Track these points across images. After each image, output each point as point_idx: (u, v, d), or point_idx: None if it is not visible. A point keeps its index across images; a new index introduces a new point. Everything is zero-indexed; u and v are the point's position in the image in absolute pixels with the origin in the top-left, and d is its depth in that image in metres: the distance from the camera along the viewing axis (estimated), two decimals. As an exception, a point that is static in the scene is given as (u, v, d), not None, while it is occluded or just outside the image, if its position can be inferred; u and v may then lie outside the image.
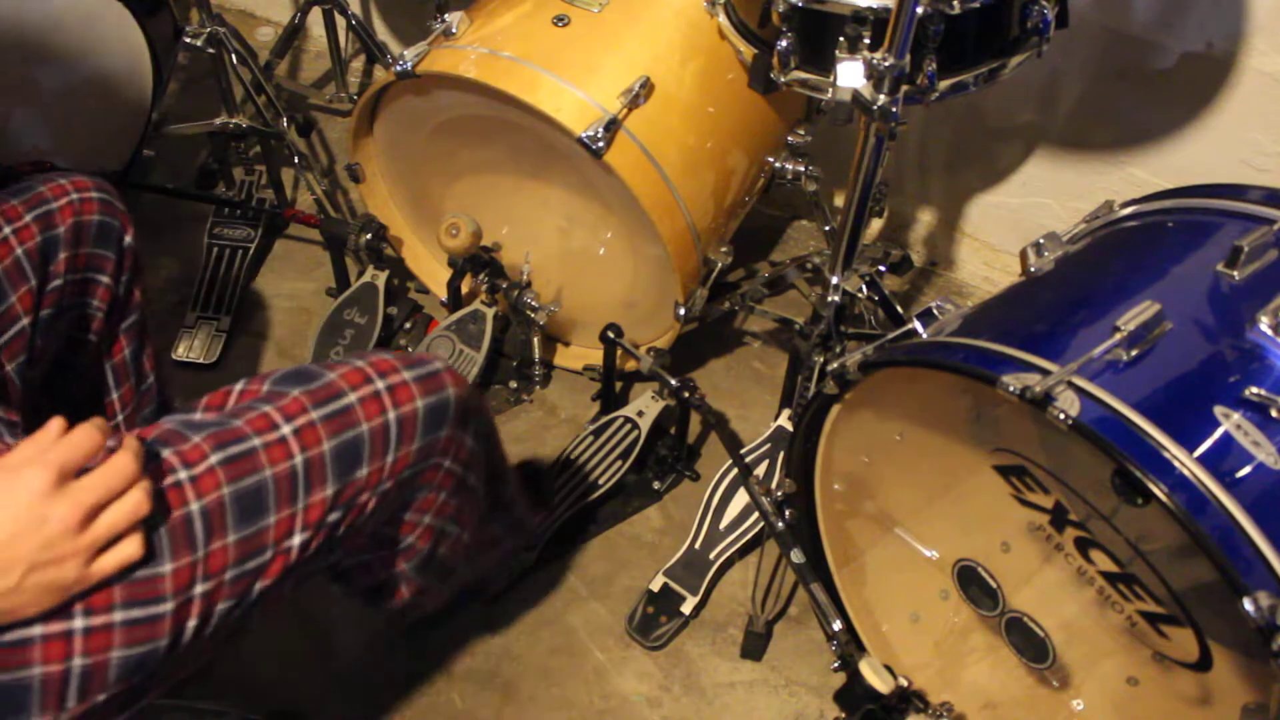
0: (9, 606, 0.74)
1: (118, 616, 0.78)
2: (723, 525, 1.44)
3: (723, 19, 1.32)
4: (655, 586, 1.42)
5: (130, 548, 0.78)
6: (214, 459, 0.83)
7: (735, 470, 1.45)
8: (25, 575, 0.73)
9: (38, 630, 0.76)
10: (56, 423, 0.78)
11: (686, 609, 1.40)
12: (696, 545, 1.44)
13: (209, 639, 0.85)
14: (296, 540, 0.86)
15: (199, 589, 0.82)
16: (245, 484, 0.83)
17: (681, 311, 1.47)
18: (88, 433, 0.77)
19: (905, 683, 1.18)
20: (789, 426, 1.48)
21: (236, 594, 0.84)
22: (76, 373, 1.17)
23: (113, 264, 1.13)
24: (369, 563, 1.06)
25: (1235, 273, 1.00)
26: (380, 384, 0.91)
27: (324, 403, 0.88)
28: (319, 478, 0.86)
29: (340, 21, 1.99)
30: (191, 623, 0.82)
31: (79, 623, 0.77)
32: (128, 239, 1.14)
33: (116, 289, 1.14)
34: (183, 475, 0.82)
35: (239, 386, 0.91)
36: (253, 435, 0.85)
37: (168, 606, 0.80)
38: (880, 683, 1.13)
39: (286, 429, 0.86)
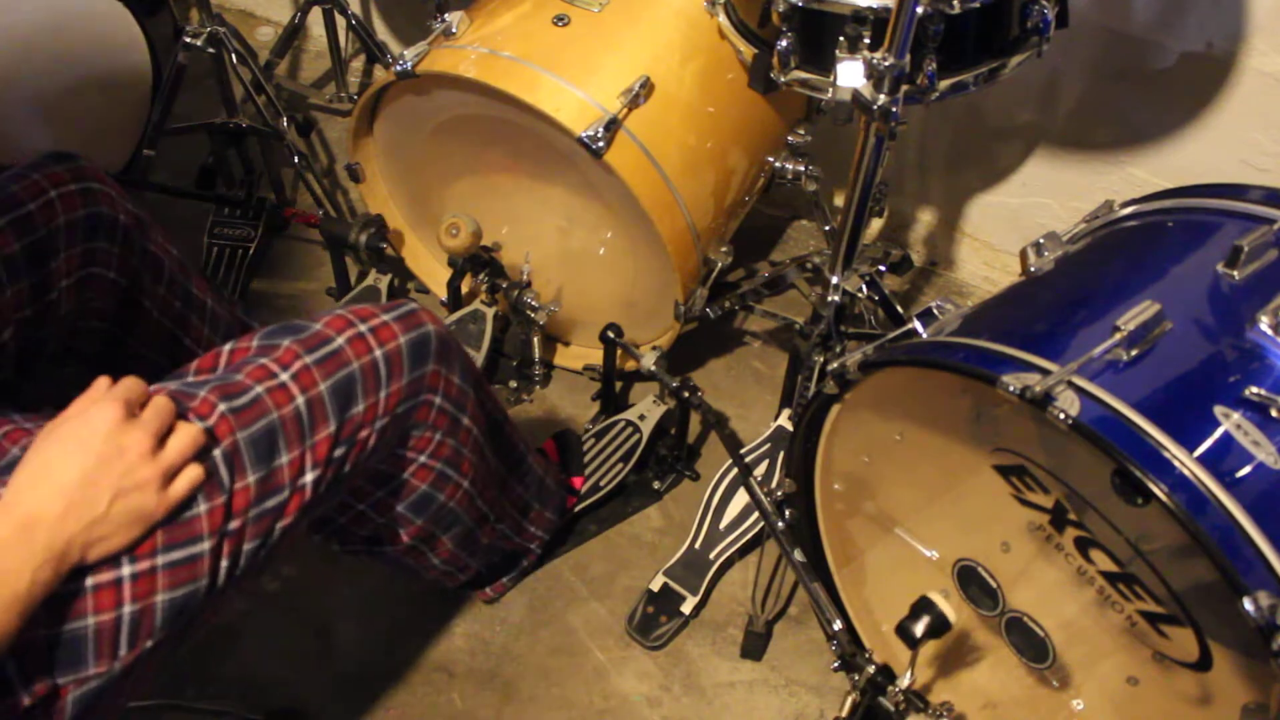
0: (100, 534, 0.79)
1: (160, 560, 0.83)
2: (723, 525, 1.44)
3: (723, 19, 1.32)
4: (655, 586, 1.42)
5: (195, 471, 0.84)
6: (223, 408, 0.87)
7: (735, 470, 1.45)
8: (112, 502, 0.79)
9: (89, 580, 0.80)
10: (103, 379, 0.85)
11: (686, 609, 1.40)
12: (696, 545, 1.44)
13: (238, 580, 0.89)
14: (309, 477, 0.91)
15: (230, 526, 0.86)
16: (256, 427, 0.88)
17: (681, 311, 1.47)
18: (134, 378, 0.84)
19: (904, 683, 1.18)
20: (789, 426, 1.47)
21: (260, 533, 0.89)
22: (141, 343, 1.22)
23: (111, 252, 1.12)
24: (364, 512, 1.10)
25: (1235, 272, 1.00)
26: (363, 326, 0.96)
27: (314, 348, 0.93)
28: (321, 416, 0.91)
29: (340, 21, 1.99)
30: (224, 562, 0.87)
31: (126, 569, 0.82)
32: (121, 218, 1.14)
33: (133, 265, 1.16)
34: (198, 425, 0.86)
35: (227, 347, 0.94)
36: (254, 384, 0.89)
37: (205, 546, 0.85)
38: (951, 612, 1.08)
39: (284, 375, 0.90)
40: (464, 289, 1.67)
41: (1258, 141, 1.47)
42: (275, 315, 1.81)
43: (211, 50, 1.76)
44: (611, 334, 1.52)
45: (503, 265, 1.60)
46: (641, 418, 1.53)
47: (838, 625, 1.22)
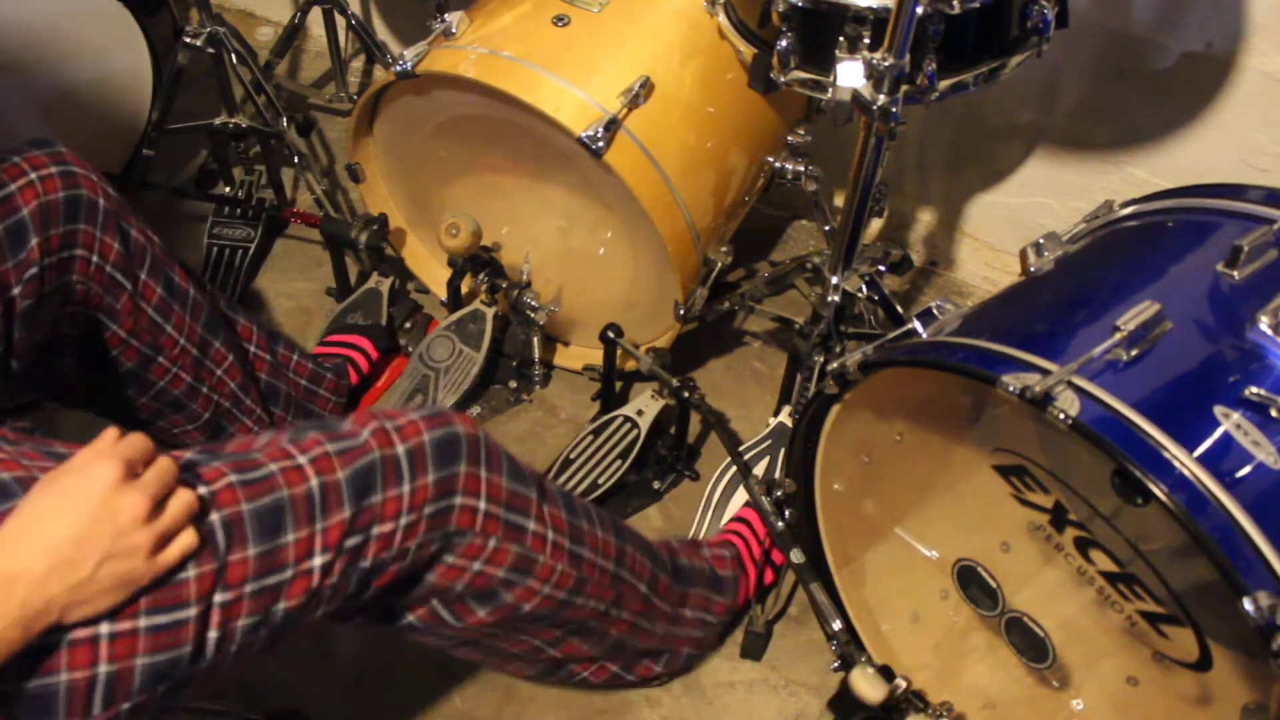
0: (82, 598, 0.76)
1: (143, 622, 0.80)
2: (722, 524, 1.44)
3: (723, 19, 1.32)
4: (655, 586, 1.42)
5: (189, 538, 0.81)
6: (232, 478, 0.86)
7: (734, 469, 1.45)
8: (99, 566, 0.76)
9: (65, 636, 0.77)
10: (111, 430, 0.82)
11: (686, 609, 1.40)
12: (696, 545, 1.44)
13: (234, 657, 0.86)
14: (317, 561, 0.88)
15: (219, 598, 0.83)
16: (263, 502, 0.86)
17: (681, 311, 1.47)
18: (140, 435, 0.82)
19: (904, 683, 1.18)
20: (788, 423, 1.47)
21: (258, 610, 0.86)
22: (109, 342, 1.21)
23: (92, 235, 1.13)
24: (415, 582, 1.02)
25: (1235, 272, 1.00)
26: (388, 424, 0.94)
27: (337, 439, 0.91)
28: (335, 500, 0.88)
29: (340, 21, 1.98)
30: (213, 634, 0.83)
31: (105, 628, 0.79)
32: (101, 201, 1.14)
33: (115, 249, 1.16)
34: (203, 490, 0.84)
35: (264, 438, 0.93)
36: (269, 462, 0.88)
37: (190, 613, 0.82)
38: (872, 692, 1.13)
39: (302, 459, 0.88)
40: (464, 289, 1.67)
41: (1258, 141, 1.47)
42: (275, 315, 1.81)
43: (211, 50, 1.76)
44: (611, 334, 1.52)
45: (503, 265, 1.60)
46: (639, 413, 1.53)
47: (837, 625, 1.22)
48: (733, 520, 1.42)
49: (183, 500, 0.81)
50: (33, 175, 1.08)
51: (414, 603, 1.03)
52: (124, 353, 1.24)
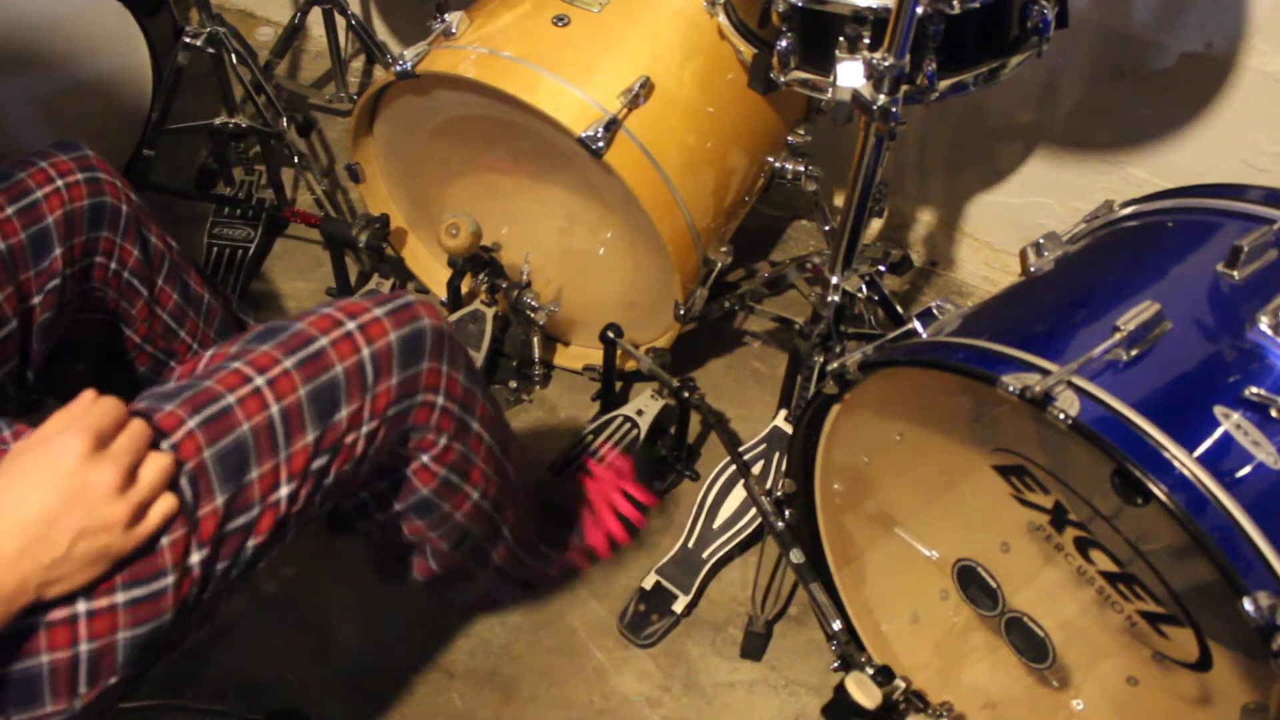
0: (58, 575, 0.74)
1: (120, 598, 0.78)
2: (716, 525, 1.44)
3: (723, 19, 1.32)
4: (647, 584, 1.42)
5: (167, 503, 0.78)
6: (191, 423, 0.82)
7: (730, 470, 1.45)
8: (74, 543, 0.74)
9: (42, 618, 0.76)
10: (88, 393, 0.79)
11: (678, 608, 1.40)
12: (690, 544, 1.44)
13: (210, 601, 0.85)
14: (284, 491, 0.85)
15: (195, 557, 0.81)
16: (225, 443, 0.82)
17: (681, 311, 1.47)
18: (112, 400, 0.78)
19: (904, 683, 1.18)
20: (785, 427, 1.47)
21: (230, 553, 0.84)
22: (128, 348, 1.21)
23: (113, 242, 1.12)
24: (365, 502, 1.03)
25: (1235, 273, 1.00)
26: (351, 324, 0.89)
27: (294, 350, 0.86)
28: (298, 425, 0.85)
29: (340, 21, 1.99)
30: (192, 591, 0.82)
31: (82, 607, 0.77)
32: (124, 208, 1.13)
33: (135, 255, 1.15)
34: (164, 445, 0.81)
35: (209, 351, 0.89)
36: (226, 393, 0.83)
37: (168, 581, 0.80)
38: (866, 698, 1.13)
39: (260, 380, 0.84)
40: (464, 289, 1.67)
41: (1258, 141, 1.47)
42: (275, 315, 1.81)
43: (211, 50, 1.76)
44: (611, 334, 1.52)
45: (503, 265, 1.60)
46: (639, 412, 1.53)
47: (837, 625, 1.22)
48: (597, 464, 1.43)
49: (157, 465, 0.78)
50: (59, 182, 1.06)
51: (358, 508, 1.03)
52: (138, 357, 1.23)
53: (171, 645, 0.86)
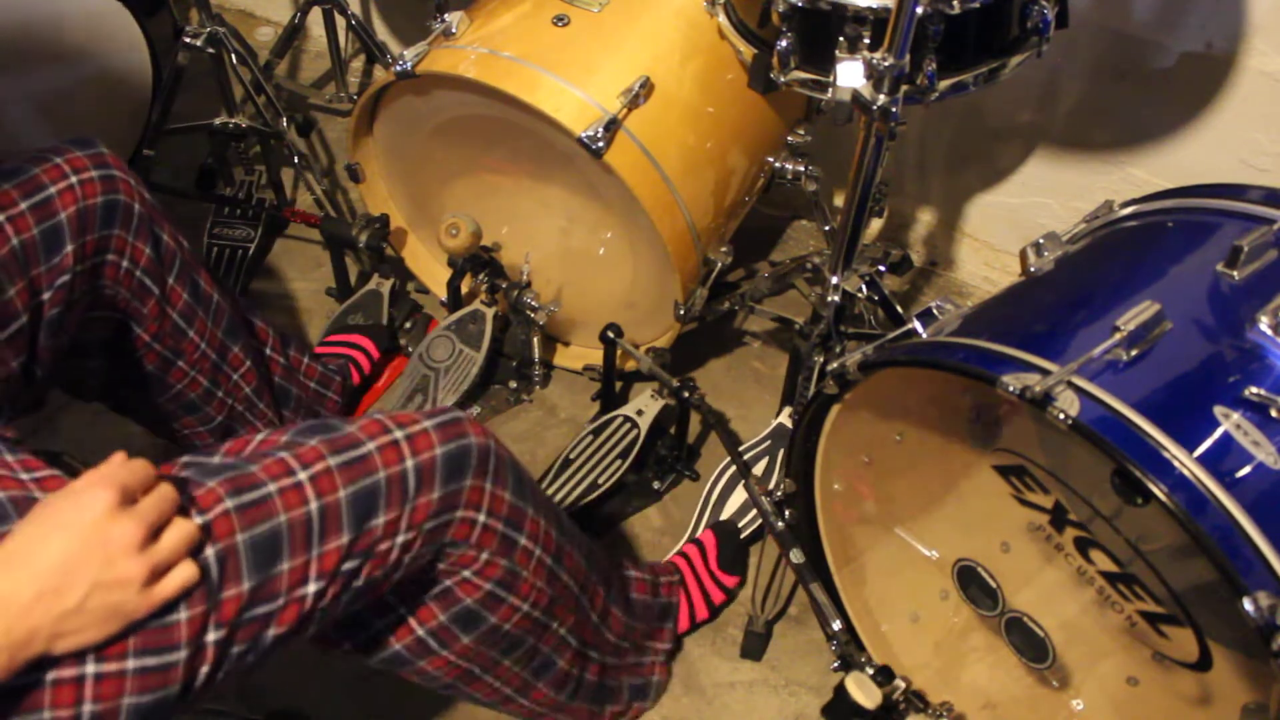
0: (71, 628, 0.73)
1: (130, 664, 0.77)
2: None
3: (723, 19, 1.32)
4: (652, 585, 1.42)
5: (187, 570, 0.77)
6: (228, 503, 0.81)
7: (733, 469, 1.45)
8: (88, 595, 0.73)
9: (48, 674, 0.75)
10: (119, 455, 0.78)
11: (684, 608, 1.40)
12: (696, 545, 1.44)
13: (219, 683, 0.84)
14: (311, 588, 0.84)
15: (211, 636, 0.80)
16: (259, 530, 0.82)
17: (681, 311, 1.47)
18: (143, 462, 0.78)
19: (904, 683, 1.18)
20: (788, 424, 1.47)
21: (248, 639, 0.83)
22: (138, 347, 1.20)
23: (125, 240, 1.12)
24: (404, 617, 1.01)
25: (1235, 273, 1.00)
26: (399, 433, 0.89)
27: (341, 450, 0.87)
28: (334, 525, 0.85)
29: (340, 21, 1.98)
30: (204, 669, 0.81)
31: (90, 668, 0.76)
32: (137, 206, 1.13)
33: (146, 254, 1.15)
34: (196, 520, 0.80)
35: (260, 435, 0.89)
36: (268, 481, 0.83)
37: (181, 655, 0.79)
38: (866, 699, 1.13)
39: (302, 475, 0.84)
40: (464, 289, 1.67)
41: (1258, 141, 1.47)
42: (275, 315, 1.81)
43: (211, 50, 1.76)
44: (611, 334, 1.52)
45: (503, 265, 1.60)
46: (639, 413, 1.53)
47: (838, 625, 1.22)
48: (688, 543, 1.42)
49: (181, 531, 0.77)
50: (73, 179, 1.06)
51: (397, 625, 1.00)
52: (146, 356, 1.24)
53: (177, 713, 0.85)
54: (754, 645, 1.39)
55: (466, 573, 0.98)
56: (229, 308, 1.31)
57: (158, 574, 0.76)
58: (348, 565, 0.86)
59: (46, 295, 1.05)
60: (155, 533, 0.76)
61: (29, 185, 1.03)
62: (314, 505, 0.84)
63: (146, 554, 0.75)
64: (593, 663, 1.18)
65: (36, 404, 1.14)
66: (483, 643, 1.04)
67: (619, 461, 1.50)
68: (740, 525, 1.44)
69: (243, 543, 0.81)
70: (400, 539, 0.89)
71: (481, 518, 0.95)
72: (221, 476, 0.82)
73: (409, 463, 0.89)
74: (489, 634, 1.03)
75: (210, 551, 0.80)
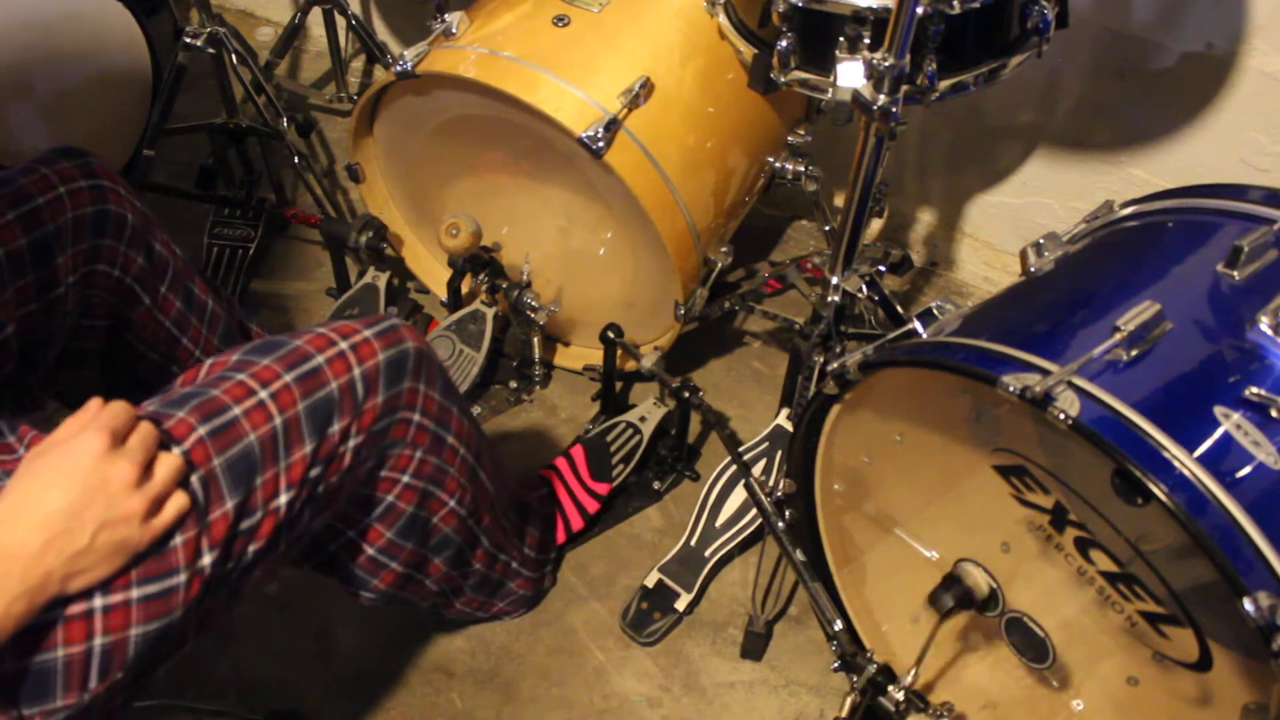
0: (81, 567, 0.78)
1: (135, 593, 0.82)
2: (719, 523, 1.44)
3: (723, 19, 1.32)
4: (650, 582, 1.42)
5: (180, 500, 0.82)
6: (201, 431, 0.86)
7: (732, 468, 1.45)
8: (96, 534, 0.77)
9: (60, 612, 0.79)
10: (95, 400, 0.83)
11: (680, 605, 1.40)
12: (692, 543, 1.44)
13: (210, 605, 0.88)
14: (284, 499, 0.90)
15: (206, 559, 0.85)
16: (233, 452, 0.87)
17: (682, 311, 1.47)
18: (121, 404, 0.82)
19: (904, 683, 1.18)
20: (787, 425, 1.47)
21: (234, 555, 0.88)
22: (135, 353, 1.22)
23: (116, 250, 1.13)
24: (354, 540, 1.08)
25: (1235, 273, 1.00)
26: (344, 344, 0.95)
27: (294, 365, 0.92)
28: (297, 437, 0.90)
29: (340, 21, 1.99)
30: (200, 591, 0.85)
31: (99, 602, 0.80)
32: (129, 216, 1.13)
33: (138, 263, 1.16)
34: (174, 449, 0.84)
35: (208, 361, 0.94)
36: (233, 404, 0.88)
37: (181, 579, 0.84)
38: (982, 581, 1.12)
39: (264, 394, 0.89)
40: (464, 289, 1.67)
41: (1258, 141, 1.47)
42: (275, 315, 1.81)
43: (211, 50, 1.76)
44: (611, 334, 1.52)
45: (503, 265, 1.60)
46: (642, 419, 1.53)
47: (838, 625, 1.22)
48: (558, 457, 1.49)
49: (170, 464, 0.82)
50: (61, 189, 1.06)
51: (355, 551, 1.09)
52: (140, 364, 1.24)
53: (173, 649, 0.90)
54: (754, 645, 1.39)
55: (405, 477, 1.05)
56: (224, 314, 1.31)
57: (155, 506, 0.81)
58: (313, 472, 0.92)
59: (37, 306, 1.05)
60: (146, 468, 0.81)
61: (16, 196, 1.03)
62: (278, 420, 0.89)
63: (143, 489, 0.80)
64: (482, 550, 1.24)
65: (36, 406, 1.14)
66: (422, 545, 1.13)
67: (621, 466, 1.50)
68: (608, 440, 1.50)
69: (220, 465, 0.86)
70: (352, 442, 0.95)
71: (416, 417, 1.02)
72: (189, 406, 0.87)
73: (356, 371, 0.95)
74: (426, 534, 1.12)
75: (194, 478, 0.84)
